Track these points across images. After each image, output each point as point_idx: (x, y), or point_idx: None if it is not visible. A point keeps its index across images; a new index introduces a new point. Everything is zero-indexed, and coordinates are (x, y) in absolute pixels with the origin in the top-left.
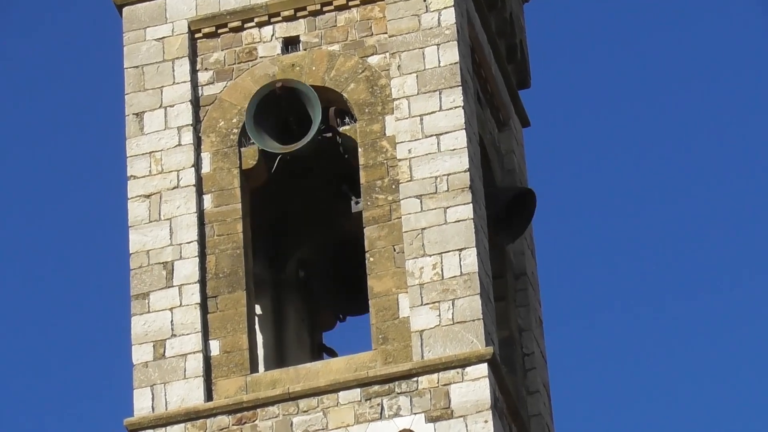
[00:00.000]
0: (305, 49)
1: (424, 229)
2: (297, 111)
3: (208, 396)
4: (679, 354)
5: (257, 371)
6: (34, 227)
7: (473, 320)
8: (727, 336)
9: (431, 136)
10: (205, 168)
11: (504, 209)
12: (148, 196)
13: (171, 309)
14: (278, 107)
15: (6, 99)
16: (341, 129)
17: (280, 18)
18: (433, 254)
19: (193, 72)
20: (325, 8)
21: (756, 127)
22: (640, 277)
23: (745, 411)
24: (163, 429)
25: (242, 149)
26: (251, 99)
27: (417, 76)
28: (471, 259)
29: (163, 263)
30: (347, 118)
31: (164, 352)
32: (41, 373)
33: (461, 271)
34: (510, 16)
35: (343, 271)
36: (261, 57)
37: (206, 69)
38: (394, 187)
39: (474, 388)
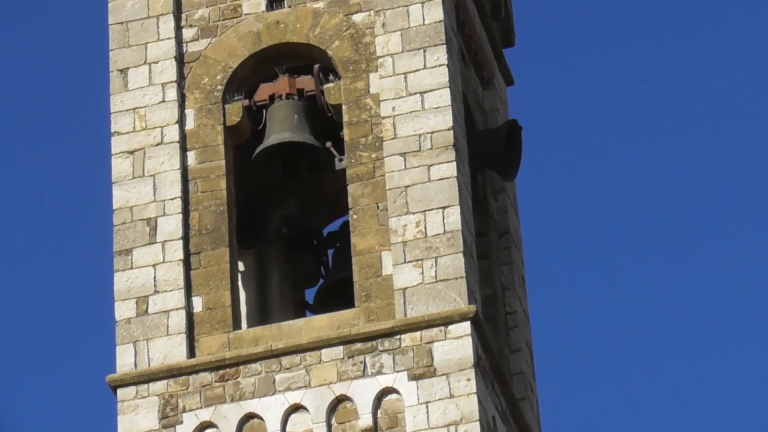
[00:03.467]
0: (290, 6)
1: (407, 186)
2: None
3: (191, 353)
4: (662, 311)
5: (240, 328)
6: (17, 183)
7: (456, 278)
8: (709, 302)
9: (415, 93)
10: (189, 124)
11: (503, 147)
12: (131, 152)
13: (154, 265)
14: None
15: None
16: (325, 86)
17: None
18: (417, 212)
19: (178, 28)
20: None
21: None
22: (624, 235)
23: (739, 400)
24: (146, 385)
25: (226, 106)
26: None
27: (401, 33)
28: (454, 217)
29: (146, 219)
30: (331, 75)
31: (147, 308)
32: (23, 330)
33: (444, 229)
34: None
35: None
36: (246, 14)
37: (191, 26)
38: (377, 144)
39: (457, 346)
